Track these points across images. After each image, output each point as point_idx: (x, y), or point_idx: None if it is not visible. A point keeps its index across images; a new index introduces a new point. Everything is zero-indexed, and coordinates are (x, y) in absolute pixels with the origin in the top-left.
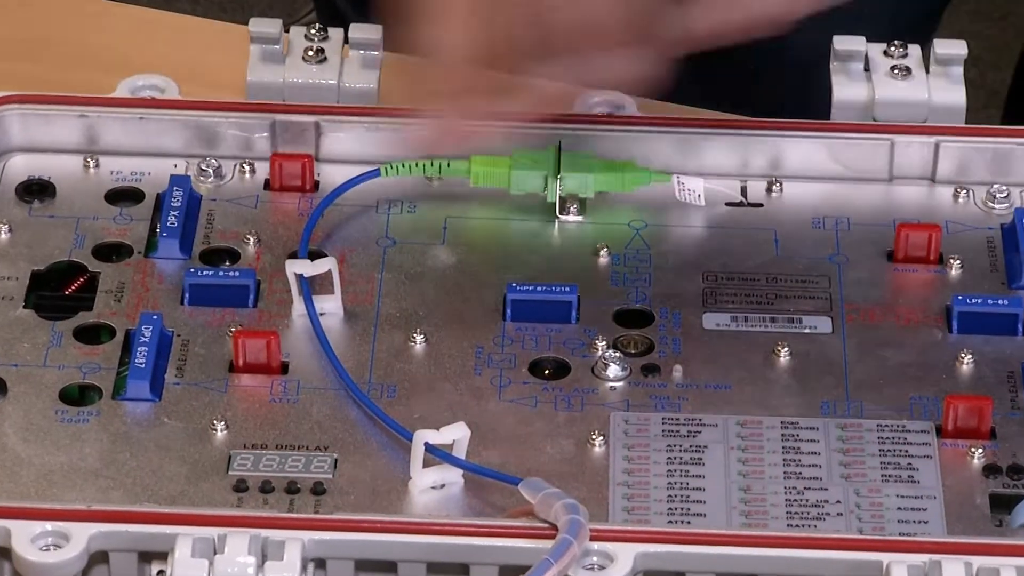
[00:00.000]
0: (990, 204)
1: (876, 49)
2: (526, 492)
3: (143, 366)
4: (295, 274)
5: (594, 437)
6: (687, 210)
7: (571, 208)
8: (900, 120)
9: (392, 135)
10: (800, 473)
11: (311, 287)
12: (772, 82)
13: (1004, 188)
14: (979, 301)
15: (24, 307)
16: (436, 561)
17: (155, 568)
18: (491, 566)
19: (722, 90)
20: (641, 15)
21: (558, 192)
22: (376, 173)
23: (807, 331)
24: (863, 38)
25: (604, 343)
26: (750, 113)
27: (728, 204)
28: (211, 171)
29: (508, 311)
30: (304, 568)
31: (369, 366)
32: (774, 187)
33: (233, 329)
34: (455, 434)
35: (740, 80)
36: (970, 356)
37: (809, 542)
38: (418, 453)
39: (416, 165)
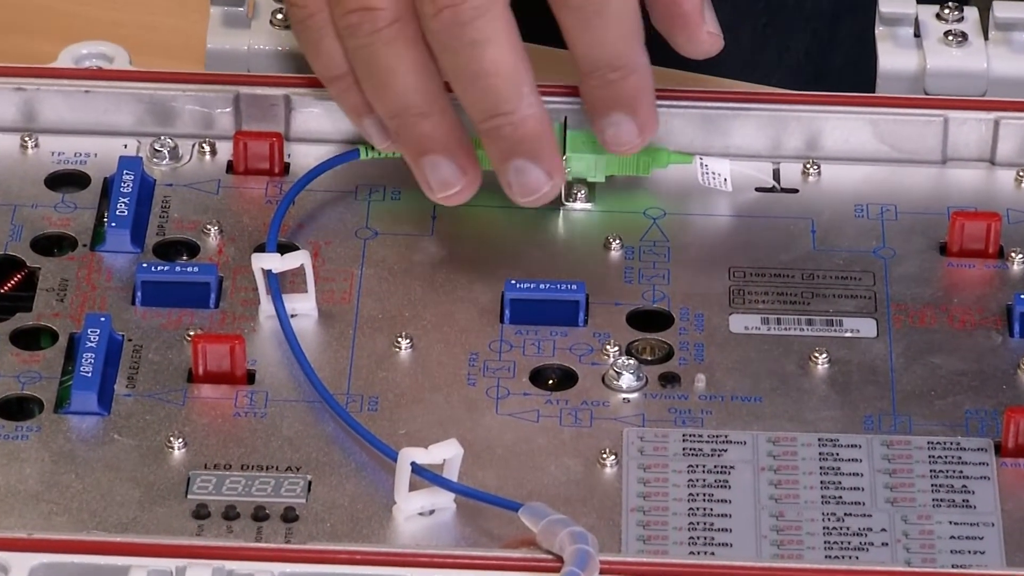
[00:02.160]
0: None
1: (927, 12)
2: (527, 519)
3: (89, 375)
4: (263, 270)
5: (605, 456)
6: (711, 196)
7: (578, 194)
8: (955, 93)
9: None
10: (840, 497)
11: (281, 285)
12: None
13: None
14: None
15: None
16: None
17: None
18: None
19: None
20: None
21: (564, 175)
22: (355, 154)
23: (848, 335)
24: None
25: (616, 349)
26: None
27: (758, 190)
28: (166, 152)
29: (506, 312)
30: None
31: (347, 375)
32: (811, 170)
33: (192, 333)
34: (446, 453)
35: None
36: None
37: None
38: (404, 474)
39: None
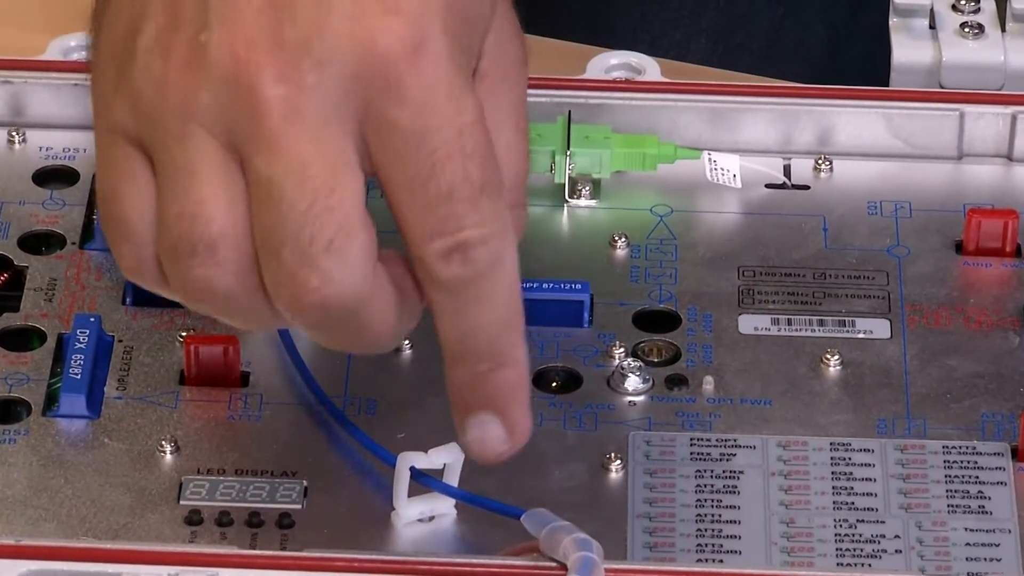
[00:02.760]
0: None
1: (943, 3)
2: (530, 526)
3: (79, 377)
4: None
5: (610, 461)
6: (720, 193)
7: (583, 191)
8: (971, 87)
9: None
10: (852, 503)
11: None
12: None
13: None
14: None
15: None
16: None
17: None
18: None
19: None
20: None
21: (567, 172)
22: None
23: (861, 336)
24: None
25: (622, 350)
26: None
27: (768, 186)
28: None
29: None
30: None
31: (345, 378)
32: (823, 166)
33: (184, 334)
34: (446, 457)
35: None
36: None
37: None
38: (403, 480)
39: None
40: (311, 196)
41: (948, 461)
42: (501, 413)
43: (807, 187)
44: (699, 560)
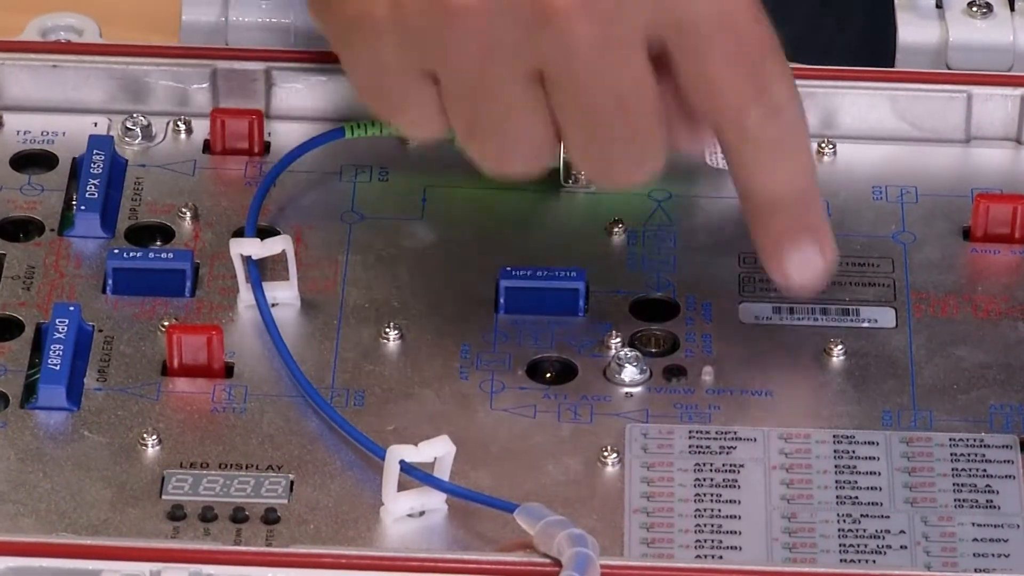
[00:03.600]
0: None
1: None
2: (524, 521)
3: (57, 368)
4: (242, 256)
5: (606, 454)
6: (720, 177)
7: (579, 175)
8: (979, 68)
9: None
10: (856, 497)
11: (261, 272)
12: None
13: None
14: None
15: None
16: None
17: None
18: None
19: None
20: None
21: (562, 155)
22: (340, 133)
23: (866, 325)
24: None
25: (618, 340)
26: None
27: None
28: (138, 131)
29: (501, 301)
30: None
31: (332, 368)
32: (826, 150)
33: (166, 323)
34: (437, 450)
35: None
36: None
37: None
38: (392, 473)
39: (388, 123)
40: (635, 120)
41: (955, 454)
42: (813, 237)
43: None
44: (698, 557)
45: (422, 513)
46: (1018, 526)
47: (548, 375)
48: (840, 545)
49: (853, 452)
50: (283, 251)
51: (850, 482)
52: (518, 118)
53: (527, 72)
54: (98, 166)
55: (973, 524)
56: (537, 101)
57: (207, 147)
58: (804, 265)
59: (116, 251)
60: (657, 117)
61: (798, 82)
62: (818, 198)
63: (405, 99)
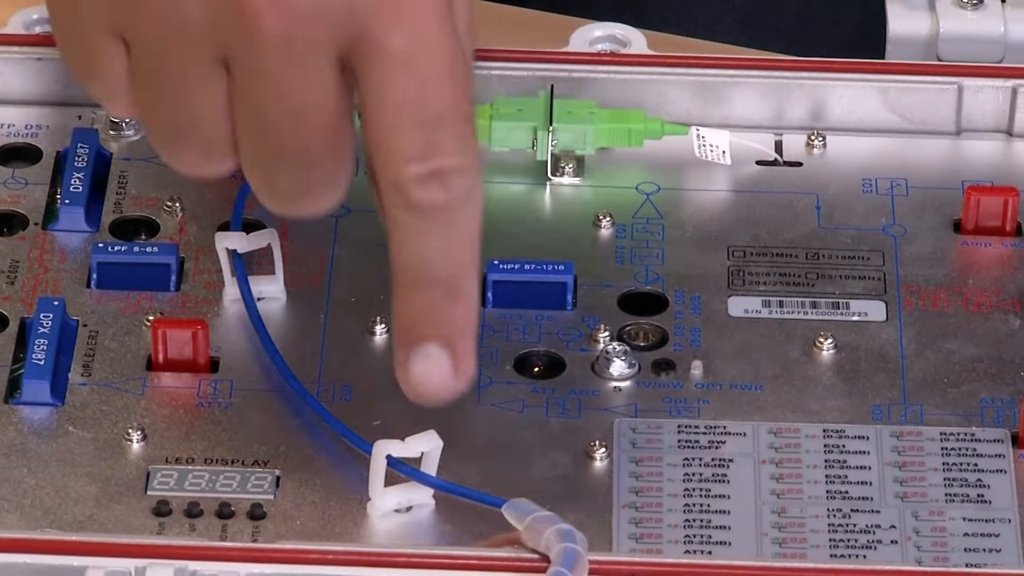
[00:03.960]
0: None
1: None
2: (511, 516)
3: (42, 363)
4: (227, 250)
5: (594, 449)
6: (709, 170)
7: (566, 168)
8: (970, 60)
9: None
10: (846, 492)
11: (247, 266)
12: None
13: None
14: None
15: None
16: None
17: None
18: None
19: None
20: None
21: (550, 148)
22: None
23: (856, 319)
24: None
25: (607, 334)
26: (781, 49)
27: (759, 163)
28: (123, 124)
29: (489, 295)
30: None
31: (318, 362)
32: (816, 142)
33: (151, 318)
34: (424, 445)
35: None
36: None
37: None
38: (379, 469)
39: None
40: (307, 137)
41: (946, 448)
42: (450, 346)
43: (799, 164)
44: (687, 552)
45: (409, 508)
46: (1009, 520)
47: (536, 369)
48: (830, 540)
49: (843, 446)
50: (269, 245)
51: (840, 476)
52: (193, 104)
53: (213, 57)
54: (82, 160)
55: (964, 519)
56: (217, 91)
57: None
58: (428, 373)
59: (101, 245)
60: (335, 140)
61: (787, 74)
62: (469, 302)
63: (95, 61)
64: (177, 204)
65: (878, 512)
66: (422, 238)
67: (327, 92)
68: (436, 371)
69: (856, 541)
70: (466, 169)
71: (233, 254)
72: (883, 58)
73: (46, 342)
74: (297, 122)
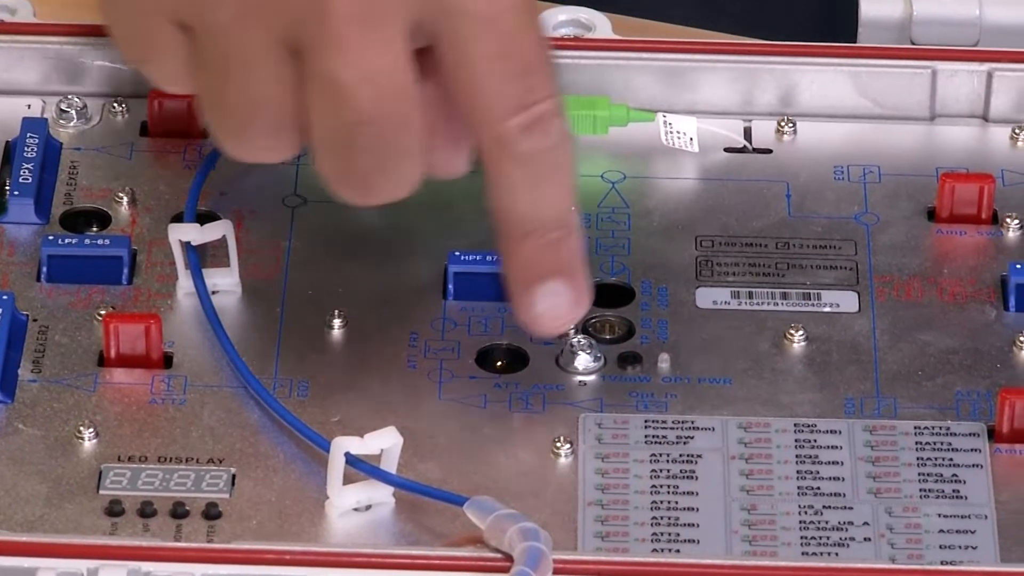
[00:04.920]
0: None
1: None
2: (474, 514)
3: None
4: (181, 242)
5: (559, 445)
6: (676, 158)
7: None
8: (944, 43)
9: None
10: (818, 488)
11: (201, 258)
12: None
13: None
14: None
15: None
16: None
17: None
18: None
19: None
20: None
21: None
22: None
23: (827, 310)
24: None
25: (571, 327)
26: (756, 35)
27: (728, 150)
28: (74, 113)
29: (450, 287)
30: None
31: (275, 357)
32: (786, 128)
33: (103, 312)
34: (384, 442)
35: None
36: None
37: (829, 574)
38: (337, 466)
39: None
40: (383, 104)
41: (920, 443)
42: (570, 279)
43: (769, 151)
44: (654, 550)
45: (368, 507)
46: (985, 517)
47: (499, 363)
48: (801, 537)
49: (815, 441)
50: (223, 236)
51: (812, 472)
52: (262, 86)
53: (282, 38)
54: (32, 150)
55: (939, 515)
56: (285, 75)
57: (145, 129)
58: (554, 307)
59: (51, 237)
60: (410, 117)
61: (757, 58)
62: (578, 234)
63: (153, 47)
64: (129, 195)
65: (851, 509)
66: (531, 187)
67: (400, 64)
68: (562, 304)
69: (828, 538)
70: (560, 109)
71: (187, 246)
72: (855, 42)
73: None
74: (374, 87)
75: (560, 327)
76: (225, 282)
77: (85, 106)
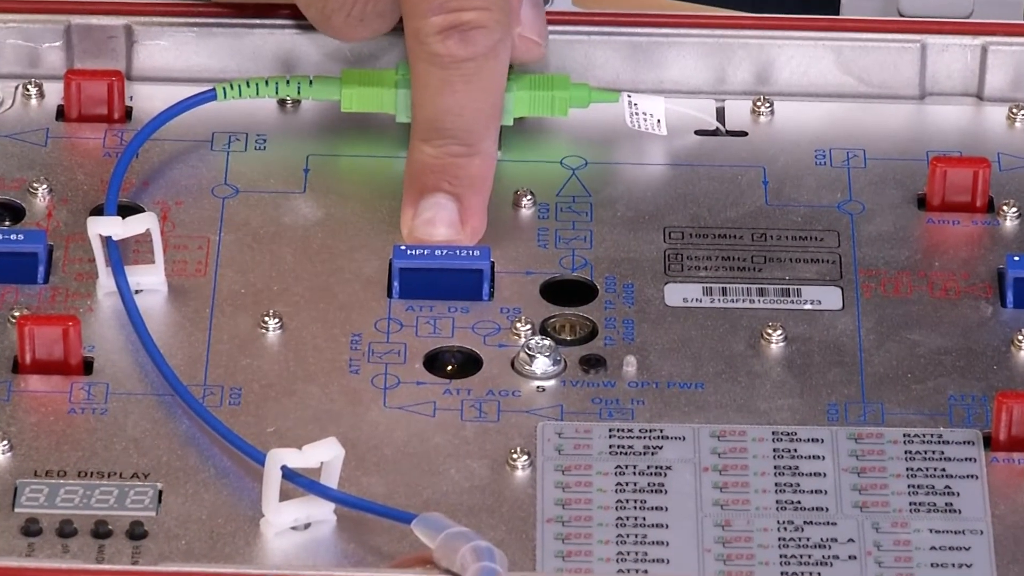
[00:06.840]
0: None
1: None
2: (422, 532)
3: None
4: (101, 236)
5: (515, 456)
6: (642, 142)
7: None
8: (935, 15)
9: (234, 41)
10: (799, 502)
11: (123, 255)
12: None
13: None
14: None
15: None
16: None
17: None
18: None
19: None
20: None
21: None
22: (211, 95)
23: (808, 307)
24: None
25: (528, 327)
26: (730, 7)
27: (699, 133)
28: None
29: (396, 284)
30: None
31: (204, 363)
32: (762, 109)
33: (17, 314)
34: (324, 454)
35: None
36: None
37: None
38: (273, 481)
39: (266, 84)
40: None
41: (910, 452)
42: (460, 199)
43: (744, 133)
44: (620, 572)
45: (307, 525)
46: (981, 532)
47: (449, 368)
48: (781, 556)
49: (795, 451)
50: (148, 231)
51: (792, 485)
52: None
53: None
54: None
55: (931, 530)
56: None
57: (61, 114)
58: (434, 219)
59: None
60: None
61: (730, 32)
62: (486, 161)
63: None
64: (45, 186)
65: (834, 524)
66: (441, 91)
67: None
68: (443, 218)
69: (810, 557)
70: (489, 26)
71: (108, 241)
72: (837, 14)
73: None
74: None
75: (436, 242)
76: (149, 280)
77: None
